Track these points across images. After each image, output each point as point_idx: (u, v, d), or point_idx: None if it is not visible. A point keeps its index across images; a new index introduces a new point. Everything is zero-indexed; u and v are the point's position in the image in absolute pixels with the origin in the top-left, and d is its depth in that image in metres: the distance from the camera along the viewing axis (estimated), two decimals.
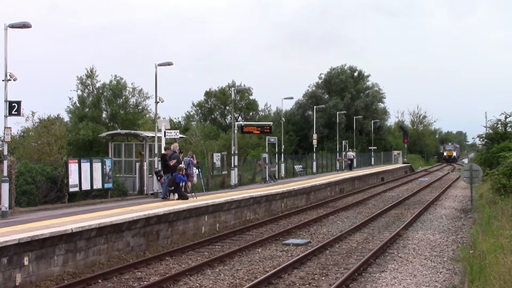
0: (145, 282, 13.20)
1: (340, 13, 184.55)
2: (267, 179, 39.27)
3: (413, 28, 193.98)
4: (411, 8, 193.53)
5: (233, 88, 55.62)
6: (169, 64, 29.17)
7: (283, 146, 46.50)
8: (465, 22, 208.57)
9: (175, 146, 24.50)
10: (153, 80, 29.16)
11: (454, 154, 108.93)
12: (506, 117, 41.50)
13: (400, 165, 73.50)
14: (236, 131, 36.89)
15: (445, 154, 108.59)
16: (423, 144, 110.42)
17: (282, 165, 45.12)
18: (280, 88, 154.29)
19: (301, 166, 51.59)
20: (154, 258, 15.84)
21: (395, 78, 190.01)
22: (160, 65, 29.05)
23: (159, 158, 27.78)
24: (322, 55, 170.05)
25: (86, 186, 27.31)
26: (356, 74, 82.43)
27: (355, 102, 77.62)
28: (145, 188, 31.46)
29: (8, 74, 21.19)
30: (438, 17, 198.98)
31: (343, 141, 64.49)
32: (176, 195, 22.71)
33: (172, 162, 23.04)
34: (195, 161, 25.51)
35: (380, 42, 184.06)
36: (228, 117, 69.96)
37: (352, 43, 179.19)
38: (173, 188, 22.83)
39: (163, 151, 24.68)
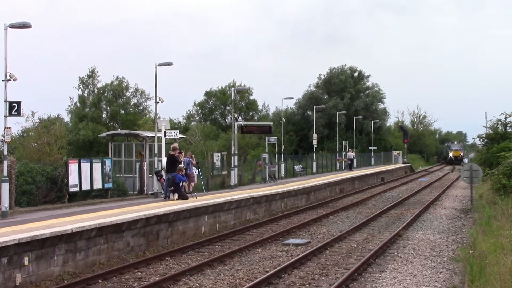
0: (145, 282, 13.21)
1: (343, 11, 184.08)
2: (267, 179, 39.28)
3: (417, 26, 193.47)
4: (416, 5, 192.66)
5: (233, 88, 55.69)
6: (169, 64, 29.18)
7: (283, 146, 46.51)
8: (471, 21, 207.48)
9: (174, 146, 24.51)
10: (153, 79, 29.22)
11: (461, 154, 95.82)
12: (506, 117, 41.59)
13: (400, 165, 73.50)
14: (236, 131, 36.90)
15: (451, 154, 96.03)
16: (423, 144, 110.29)
17: (282, 165, 45.14)
18: (280, 88, 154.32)
19: (301, 166, 51.61)
20: (154, 258, 15.84)
21: (396, 78, 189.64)
22: (160, 65, 29.06)
23: (159, 158, 27.81)
24: (323, 54, 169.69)
25: (86, 186, 27.30)
26: (356, 74, 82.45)
27: (355, 102, 77.64)
28: (145, 188, 31.46)
29: (8, 74, 21.19)
30: (444, 15, 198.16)
31: (343, 141, 64.51)
32: (176, 195, 22.73)
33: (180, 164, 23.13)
34: (194, 161, 25.52)
35: (383, 40, 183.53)
36: (228, 117, 70.01)
37: (355, 42, 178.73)
38: (173, 188, 22.86)
39: (170, 151, 24.45)
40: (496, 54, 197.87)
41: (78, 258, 14.47)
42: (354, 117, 69.49)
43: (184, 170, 23.09)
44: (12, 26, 21.57)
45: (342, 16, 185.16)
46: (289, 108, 78.19)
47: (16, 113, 21.41)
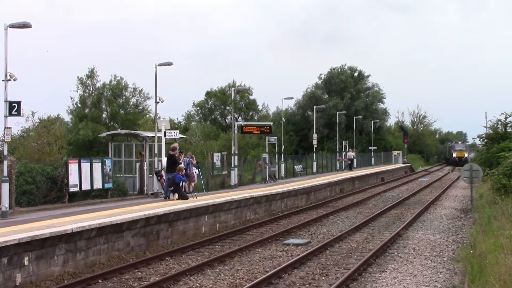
0: (145, 282, 13.21)
1: (344, 11, 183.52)
2: (267, 179, 39.28)
3: (417, 25, 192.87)
4: (417, 5, 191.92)
5: (233, 88, 55.68)
6: (169, 64, 29.16)
7: (283, 146, 46.50)
8: (472, 21, 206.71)
9: (174, 146, 24.50)
10: (153, 79, 29.20)
11: (466, 155, 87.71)
12: (506, 117, 41.66)
13: (400, 165, 73.50)
14: (236, 131, 36.90)
15: (454, 155, 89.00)
16: (423, 144, 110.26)
17: (282, 165, 45.12)
18: (280, 88, 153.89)
19: (301, 166, 51.60)
20: (154, 258, 15.85)
21: (396, 78, 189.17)
22: (160, 65, 29.04)
23: (160, 159, 27.80)
24: (323, 54, 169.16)
25: (86, 186, 27.29)
26: (356, 74, 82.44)
27: (355, 102, 77.62)
28: (145, 188, 31.45)
29: (8, 74, 21.17)
30: (445, 15, 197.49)
31: (343, 141, 64.49)
32: (176, 195, 22.73)
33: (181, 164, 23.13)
34: (194, 161, 25.52)
35: (383, 40, 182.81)
36: (228, 117, 70.03)
37: (355, 42, 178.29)
38: (173, 188, 22.85)
39: (170, 151, 24.42)
40: (496, 54, 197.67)
41: (78, 258, 14.47)
42: (354, 117, 69.47)
43: (184, 170, 23.10)
44: (12, 26, 21.55)
45: (343, 15, 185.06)
46: (289, 108, 78.29)
47: (16, 113, 21.39)
